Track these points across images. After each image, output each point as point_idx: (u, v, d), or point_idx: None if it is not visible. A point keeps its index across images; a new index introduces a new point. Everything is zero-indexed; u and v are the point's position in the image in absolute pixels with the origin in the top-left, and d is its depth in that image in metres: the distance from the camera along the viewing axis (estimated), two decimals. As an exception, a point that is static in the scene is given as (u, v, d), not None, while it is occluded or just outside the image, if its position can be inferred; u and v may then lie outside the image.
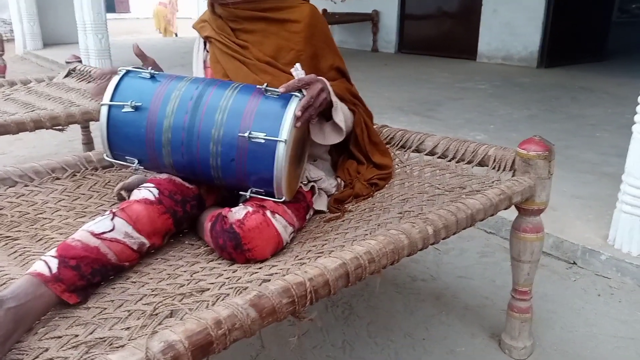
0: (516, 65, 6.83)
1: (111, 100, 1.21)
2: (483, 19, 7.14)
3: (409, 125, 3.79)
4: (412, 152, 1.67)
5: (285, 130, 1.13)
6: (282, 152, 1.12)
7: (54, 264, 0.96)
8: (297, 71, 1.23)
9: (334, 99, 1.29)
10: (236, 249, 1.12)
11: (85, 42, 6.48)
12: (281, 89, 1.15)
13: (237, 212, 1.16)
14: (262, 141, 1.13)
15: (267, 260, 1.15)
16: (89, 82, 2.87)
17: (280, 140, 1.12)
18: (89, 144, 3.10)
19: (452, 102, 4.71)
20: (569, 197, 2.46)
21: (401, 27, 8.38)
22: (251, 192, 1.20)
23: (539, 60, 6.66)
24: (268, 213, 1.17)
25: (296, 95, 1.18)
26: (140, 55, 1.32)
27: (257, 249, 1.13)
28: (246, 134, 1.13)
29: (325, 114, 1.32)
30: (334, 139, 1.36)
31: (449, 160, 1.59)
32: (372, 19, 8.46)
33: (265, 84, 1.18)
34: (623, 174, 1.94)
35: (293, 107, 1.15)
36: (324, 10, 8.83)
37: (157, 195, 1.17)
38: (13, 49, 9.36)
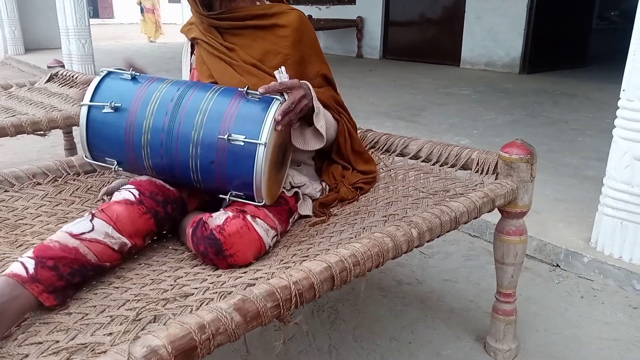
0: (499, 71, 6.92)
1: (91, 101, 1.20)
2: (466, 25, 7.23)
3: (394, 130, 3.81)
4: (397, 156, 1.68)
5: (265, 133, 1.12)
6: (261, 155, 1.12)
7: (31, 264, 0.95)
8: (282, 74, 1.23)
9: (317, 104, 1.29)
10: (217, 255, 1.11)
11: (68, 47, 6.42)
12: (261, 90, 1.15)
13: (217, 218, 1.15)
14: (242, 144, 1.12)
15: (252, 265, 1.14)
16: (71, 86, 2.84)
17: (260, 143, 1.12)
18: (71, 149, 3.06)
19: (436, 107, 4.75)
20: (552, 201, 2.49)
21: (385, 34, 8.44)
22: (231, 196, 1.19)
23: (522, 66, 6.76)
24: (249, 217, 1.16)
25: (277, 99, 1.17)
26: (131, 67, 1.30)
27: (239, 254, 1.12)
28: (225, 136, 1.12)
29: (307, 119, 1.32)
30: (315, 144, 1.35)
31: (433, 164, 1.60)
32: (356, 26, 8.51)
33: (247, 87, 1.17)
34: (604, 177, 1.97)
35: (274, 111, 1.15)
36: (309, 17, 8.88)
37: (137, 196, 1.16)
38: (-6, 54, 9.23)
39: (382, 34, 8.43)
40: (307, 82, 1.28)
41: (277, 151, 1.22)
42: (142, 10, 12.20)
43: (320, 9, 9.05)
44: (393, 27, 8.35)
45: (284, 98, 1.18)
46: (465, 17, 7.21)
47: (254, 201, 1.18)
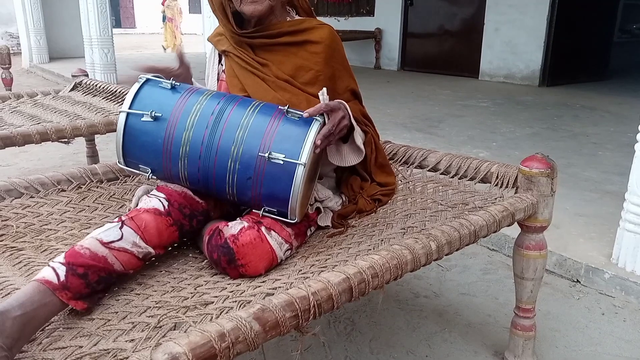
0: (518, 83, 6.88)
1: (130, 108, 1.21)
2: (485, 37, 7.21)
3: (412, 142, 3.80)
4: (415, 168, 1.68)
5: (306, 154, 1.13)
6: (300, 175, 1.12)
7: (62, 271, 0.97)
8: (323, 96, 1.23)
9: (354, 122, 1.30)
10: (230, 264, 1.12)
11: (92, 57, 6.56)
12: (305, 114, 1.16)
13: (233, 227, 1.16)
14: (281, 162, 1.13)
15: (270, 274, 1.15)
16: (94, 95, 2.90)
17: (299, 164, 1.12)
18: (93, 156, 3.12)
19: (455, 119, 4.73)
20: (572, 215, 2.45)
21: (404, 45, 8.46)
22: (263, 211, 1.20)
23: (541, 78, 6.70)
24: (263, 229, 1.17)
25: (317, 120, 1.18)
26: (151, 69, 1.31)
27: (250, 265, 1.13)
28: (266, 154, 1.13)
29: (342, 137, 1.33)
30: (353, 160, 1.37)
31: (452, 177, 1.59)
32: (375, 37, 8.54)
33: (287, 105, 1.18)
34: (626, 192, 1.94)
35: (314, 131, 1.15)
36: (328, 28, 8.94)
37: (166, 207, 1.17)
38: (19, 62, 9.46)
39: (400, 46, 8.44)
40: (343, 101, 1.29)
41: (311, 168, 1.23)
42: (164, 19, 12.42)
43: (339, 21, 9.12)
44: (411, 39, 8.37)
45: (324, 118, 1.19)
46: (484, 29, 7.20)
47: (286, 217, 1.19)
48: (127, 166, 1.27)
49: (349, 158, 1.36)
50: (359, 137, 1.33)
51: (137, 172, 1.27)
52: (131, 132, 1.21)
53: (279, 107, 1.20)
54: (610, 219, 2.32)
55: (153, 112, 1.18)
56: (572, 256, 2.07)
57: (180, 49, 1.31)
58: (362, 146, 1.33)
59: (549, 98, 5.85)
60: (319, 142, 1.15)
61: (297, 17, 1.47)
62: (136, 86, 1.23)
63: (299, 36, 1.40)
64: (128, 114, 1.20)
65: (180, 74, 1.37)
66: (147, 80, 1.25)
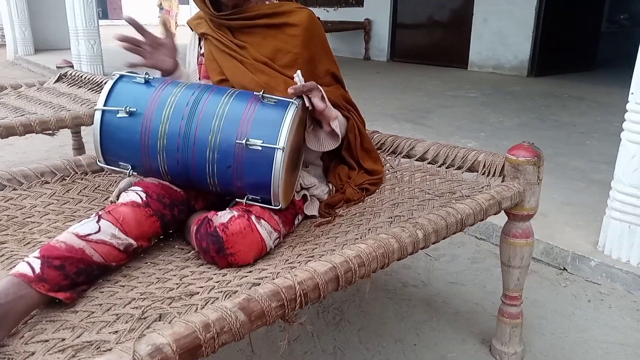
0: (507, 74, 6.90)
1: (105, 105, 1.20)
2: (474, 28, 7.21)
3: (401, 132, 3.80)
4: (403, 157, 1.67)
5: (283, 138, 1.12)
6: (279, 160, 1.12)
7: (37, 264, 0.95)
8: (298, 77, 1.23)
9: (328, 104, 1.29)
10: (218, 253, 1.12)
11: (77, 48, 6.48)
12: (290, 90, 1.17)
13: (222, 216, 1.16)
14: (260, 148, 1.12)
15: (257, 264, 1.14)
16: (79, 87, 2.86)
17: (277, 148, 1.12)
18: (79, 149, 3.08)
19: (444, 109, 4.74)
20: (559, 204, 2.47)
21: (393, 36, 8.43)
22: (247, 199, 1.19)
23: (529, 69, 6.73)
24: (253, 218, 1.16)
25: (293, 103, 1.17)
26: (137, 27, 1.28)
27: (240, 254, 1.12)
28: (243, 141, 1.12)
29: (319, 121, 1.32)
30: (330, 145, 1.36)
31: (439, 166, 1.59)
32: (364, 28, 8.51)
33: (262, 91, 1.18)
34: (612, 180, 1.96)
35: (291, 115, 1.15)
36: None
37: (144, 198, 1.16)
38: (4, 54, 9.33)
39: (390, 37, 8.42)
40: (320, 86, 1.28)
41: (293, 154, 1.22)
42: (161, 9, 12.31)
43: (328, 11, 9.07)
44: (401, 30, 8.35)
45: (299, 102, 1.19)
46: (473, 20, 7.19)
47: (271, 204, 1.18)
48: (107, 164, 1.26)
49: (326, 143, 1.35)
50: (335, 120, 1.32)
51: (118, 169, 1.26)
52: (108, 129, 1.20)
53: (255, 93, 1.19)
54: (597, 207, 2.34)
55: (127, 108, 1.17)
56: (559, 244, 2.09)
57: (165, 19, 1.29)
58: (337, 130, 1.32)
59: (538, 88, 5.88)
60: (318, 103, 1.16)
61: (277, 1, 1.46)
62: (110, 83, 1.22)
63: (278, 18, 1.39)
64: (103, 111, 1.19)
65: (165, 43, 1.35)
66: (121, 76, 1.24)
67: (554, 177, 2.80)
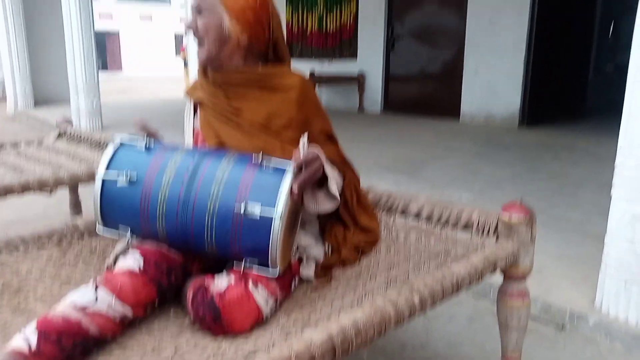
0: (499, 124, 7.03)
1: (106, 171, 1.22)
2: (465, 80, 7.40)
3: (396, 184, 3.85)
4: (398, 215, 1.69)
5: (282, 205, 1.14)
6: (277, 227, 1.13)
7: (34, 339, 0.95)
8: (304, 140, 1.25)
9: (328, 169, 1.32)
10: (215, 322, 1.11)
11: (77, 102, 6.58)
12: (293, 163, 1.19)
13: (219, 284, 1.16)
14: (258, 214, 1.14)
15: (253, 333, 1.13)
16: (78, 144, 2.90)
17: (276, 214, 1.13)
18: (76, 205, 3.09)
19: (438, 161, 4.80)
20: (555, 258, 2.47)
21: (386, 88, 8.64)
22: (245, 263, 1.20)
23: (520, 119, 6.86)
24: (250, 285, 1.16)
25: (290, 169, 1.19)
26: (144, 130, 1.34)
27: (236, 323, 1.12)
28: (242, 209, 1.14)
29: (318, 182, 1.34)
30: (327, 207, 1.38)
31: (434, 224, 1.61)
32: (358, 81, 8.73)
33: (261, 155, 1.20)
34: (605, 235, 1.97)
35: (288, 181, 1.17)
36: (312, 73, 9.13)
37: (142, 265, 1.17)
38: (4, 108, 9.45)
39: (383, 89, 8.62)
40: (317, 146, 1.31)
41: (291, 217, 1.23)
42: (185, 64, 12.70)
43: (322, 64, 9.32)
44: (394, 82, 8.56)
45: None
46: (464, 73, 7.39)
47: (268, 269, 1.19)
48: (106, 230, 1.27)
49: (323, 205, 1.37)
50: (334, 184, 1.35)
51: (117, 236, 1.27)
52: (108, 196, 1.22)
53: (253, 157, 1.21)
54: (592, 260, 2.34)
55: (128, 174, 1.19)
56: (557, 301, 2.08)
57: (141, 122, 1.33)
58: (336, 193, 1.34)
59: (529, 139, 5.99)
60: (296, 189, 1.16)
61: (269, 66, 1.51)
62: (111, 149, 1.25)
63: (273, 81, 1.44)
64: (104, 178, 1.21)
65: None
66: (122, 143, 1.27)
67: (548, 229, 2.82)
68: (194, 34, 1.41)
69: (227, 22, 1.37)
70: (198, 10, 1.39)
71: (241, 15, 1.37)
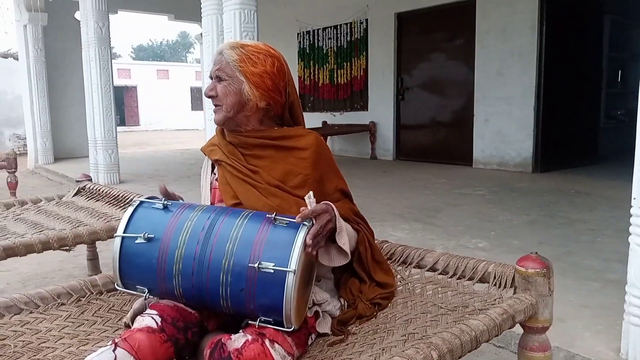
0: (512, 170, 7.03)
1: (125, 232, 1.26)
2: (475, 128, 7.47)
3: (411, 233, 3.83)
4: (414, 268, 1.68)
5: (294, 260, 1.15)
6: (291, 283, 1.14)
7: None
8: (310, 199, 1.28)
9: (339, 223, 1.34)
10: None
11: (95, 157, 6.76)
12: (298, 219, 1.21)
13: (236, 341, 1.16)
14: (272, 271, 1.15)
15: (271, 392, 1.12)
16: (97, 200, 2.96)
17: (289, 271, 1.15)
18: (93, 259, 3.12)
19: (452, 208, 4.79)
20: (576, 307, 2.42)
21: (398, 136, 8.75)
22: (260, 322, 1.20)
23: (534, 165, 6.86)
24: (267, 342, 1.16)
25: (304, 224, 1.22)
26: (166, 195, 1.38)
27: None
28: (256, 264, 1.16)
29: (331, 236, 1.36)
30: (340, 261, 1.39)
31: (450, 277, 1.60)
32: (369, 129, 8.86)
33: (275, 213, 1.23)
34: (626, 285, 1.94)
35: (302, 237, 1.19)
36: (324, 122, 9.29)
37: (159, 323, 1.18)
38: (25, 162, 9.70)
39: (395, 137, 8.73)
40: (329, 202, 1.34)
41: (305, 272, 1.24)
42: None
43: (334, 115, 9.50)
44: (405, 131, 8.67)
45: (311, 222, 1.23)
46: (475, 120, 7.48)
47: (283, 326, 1.19)
48: (125, 288, 1.30)
49: (337, 259, 1.38)
50: (344, 237, 1.35)
51: (135, 292, 1.30)
52: (127, 254, 1.26)
53: (267, 215, 1.24)
54: (615, 309, 2.29)
55: (146, 234, 1.23)
56: (580, 352, 2.02)
57: (163, 186, 1.38)
58: (345, 247, 1.35)
59: (544, 184, 5.96)
60: (310, 242, 1.18)
61: (285, 127, 1.56)
62: (130, 209, 1.30)
63: (288, 141, 1.49)
64: (123, 237, 1.26)
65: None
66: (141, 202, 1.32)
67: (568, 278, 2.77)
68: (213, 99, 1.48)
69: (247, 88, 1.43)
70: (218, 79, 1.46)
71: (260, 81, 1.43)
